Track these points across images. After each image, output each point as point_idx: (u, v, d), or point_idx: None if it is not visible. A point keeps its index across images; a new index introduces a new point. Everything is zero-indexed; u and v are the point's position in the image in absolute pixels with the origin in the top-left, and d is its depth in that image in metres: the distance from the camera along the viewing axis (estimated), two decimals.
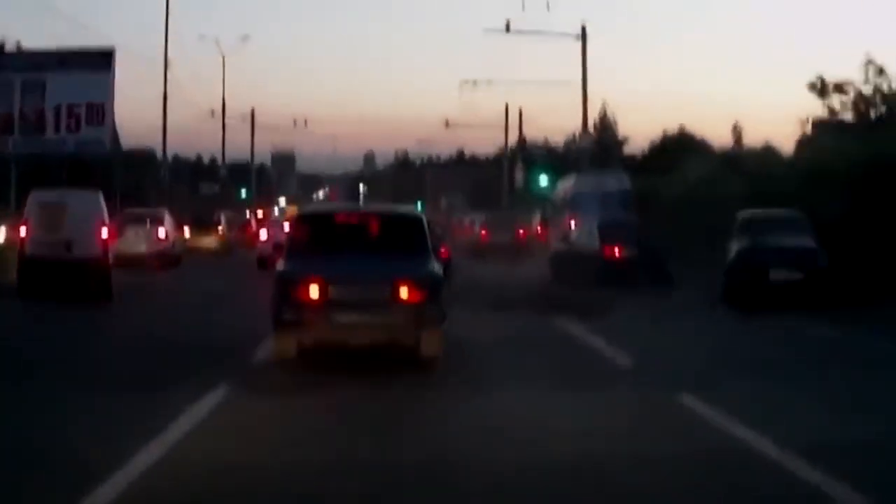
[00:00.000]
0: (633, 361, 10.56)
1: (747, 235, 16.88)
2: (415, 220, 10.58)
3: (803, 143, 49.14)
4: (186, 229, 35.41)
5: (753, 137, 60.03)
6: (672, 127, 49.37)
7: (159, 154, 44.81)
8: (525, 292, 19.94)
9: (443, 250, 17.22)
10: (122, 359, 10.90)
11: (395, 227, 10.55)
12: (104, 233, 17.50)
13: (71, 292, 16.52)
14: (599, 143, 42.54)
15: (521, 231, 37.05)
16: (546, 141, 73.08)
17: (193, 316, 15.80)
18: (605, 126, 56.91)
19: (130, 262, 24.46)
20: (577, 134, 40.18)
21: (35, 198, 17.82)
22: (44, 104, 29.84)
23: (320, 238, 10.40)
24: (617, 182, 33.34)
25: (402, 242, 10.17)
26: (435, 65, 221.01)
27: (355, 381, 9.20)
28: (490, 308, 16.34)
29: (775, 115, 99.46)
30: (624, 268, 20.65)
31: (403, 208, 12.78)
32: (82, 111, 29.82)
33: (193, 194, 63.73)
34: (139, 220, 28.04)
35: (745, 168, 26.69)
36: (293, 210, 41.10)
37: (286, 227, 18.51)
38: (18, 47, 31.23)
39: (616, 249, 20.88)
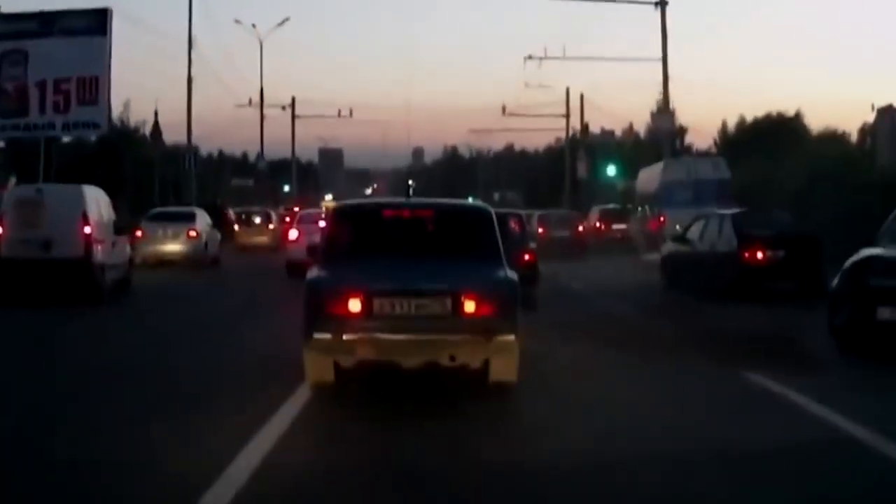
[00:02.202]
0: None
1: (884, 242, 10.64)
2: (481, 216, 8.95)
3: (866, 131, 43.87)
4: (236, 226, 36.02)
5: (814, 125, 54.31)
6: (730, 116, 44.83)
7: (202, 150, 40.86)
8: (636, 308, 15.34)
9: (527, 254, 13.88)
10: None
11: (457, 224, 9.00)
12: (87, 230, 16.28)
13: (52, 295, 15.56)
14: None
15: (580, 226, 34.63)
16: (603, 129, 68.51)
17: (188, 336, 12.11)
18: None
19: (159, 263, 23.82)
20: (652, 111, 35.15)
21: (12, 194, 17.49)
22: (26, 79, 25.12)
23: (363, 238, 8.82)
24: (713, 169, 28.99)
25: (465, 243, 8.66)
26: (492, 47, 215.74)
27: None
28: (605, 339, 11.33)
29: (829, 103, 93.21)
30: (767, 274, 15.98)
31: (466, 202, 10.57)
32: (72, 87, 24.96)
33: (226, 188, 61.10)
34: (167, 219, 26.03)
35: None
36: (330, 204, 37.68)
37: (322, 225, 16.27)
38: None
39: (758, 251, 15.87)
